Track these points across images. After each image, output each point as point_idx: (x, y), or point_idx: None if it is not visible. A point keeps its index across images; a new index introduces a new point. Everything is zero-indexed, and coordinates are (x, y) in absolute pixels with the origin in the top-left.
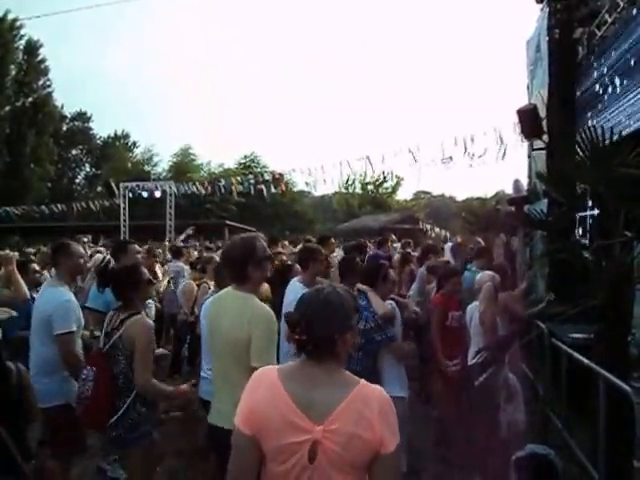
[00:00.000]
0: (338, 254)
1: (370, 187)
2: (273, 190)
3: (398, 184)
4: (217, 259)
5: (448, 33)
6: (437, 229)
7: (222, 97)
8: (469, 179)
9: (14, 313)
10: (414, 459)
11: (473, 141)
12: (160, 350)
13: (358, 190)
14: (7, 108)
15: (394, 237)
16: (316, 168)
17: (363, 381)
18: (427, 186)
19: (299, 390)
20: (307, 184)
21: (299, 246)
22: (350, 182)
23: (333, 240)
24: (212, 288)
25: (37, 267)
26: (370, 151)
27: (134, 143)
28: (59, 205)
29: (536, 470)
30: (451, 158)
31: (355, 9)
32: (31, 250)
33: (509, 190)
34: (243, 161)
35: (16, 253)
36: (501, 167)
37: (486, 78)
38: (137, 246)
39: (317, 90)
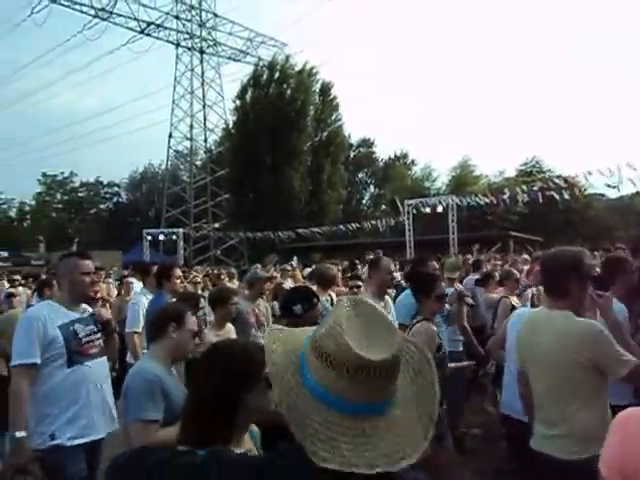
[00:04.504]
0: None
1: None
2: (566, 196)
3: None
4: (516, 274)
5: None
6: None
7: (495, 103)
8: None
9: None
10: None
11: None
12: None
13: None
14: (308, 144)
15: None
16: (620, 167)
17: None
18: None
19: None
20: (608, 186)
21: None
22: None
23: None
24: (515, 302)
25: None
26: None
27: (412, 161)
28: (352, 224)
29: None
30: None
31: None
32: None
33: None
34: (523, 167)
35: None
36: None
37: None
38: (435, 263)
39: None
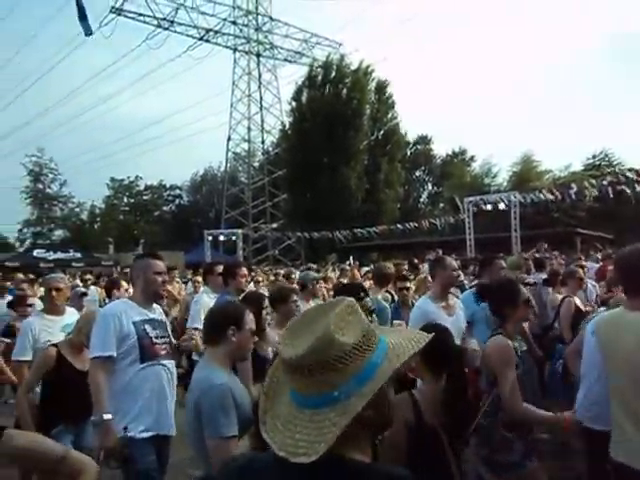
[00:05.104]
0: None
1: None
2: (639, 189)
3: None
4: (580, 273)
5: None
6: None
7: (559, 95)
8: None
9: None
10: None
11: None
12: None
13: None
14: (364, 142)
15: None
16: None
17: None
18: None
19: None
20: None
21: None
22: None
23: None
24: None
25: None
26: None
27: (471, 157)
28: (410, 223)
29: None
30: None
31: None
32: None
33: None
34: (591, 161)
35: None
36: None
37: None
38: (502, 262)
39: None
